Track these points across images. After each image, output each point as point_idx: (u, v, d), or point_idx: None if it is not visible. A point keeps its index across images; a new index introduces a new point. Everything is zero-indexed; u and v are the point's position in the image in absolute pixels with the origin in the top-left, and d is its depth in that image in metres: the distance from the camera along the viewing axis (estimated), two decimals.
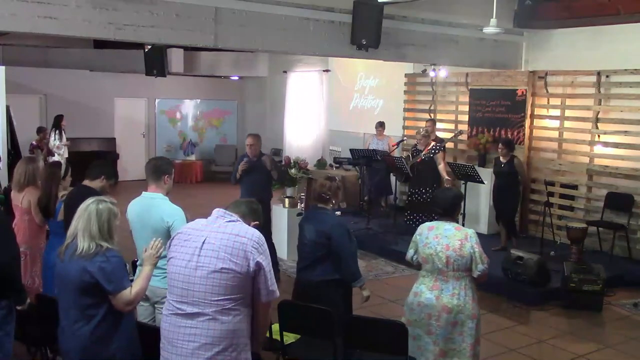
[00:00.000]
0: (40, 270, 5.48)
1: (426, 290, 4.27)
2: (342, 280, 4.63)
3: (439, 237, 4.25)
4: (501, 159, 8.29)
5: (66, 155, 12.54)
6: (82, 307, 3.35)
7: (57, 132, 12.77)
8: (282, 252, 8.44)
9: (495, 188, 8.53)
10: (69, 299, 3.40)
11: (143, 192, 4.35)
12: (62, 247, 3.45)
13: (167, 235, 3.90)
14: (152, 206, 4.19)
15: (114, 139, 15.34)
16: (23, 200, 5.48)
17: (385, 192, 10.72)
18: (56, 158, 11.92)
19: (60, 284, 3.46)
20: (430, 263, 4.26)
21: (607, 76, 8.55)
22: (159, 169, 4.30)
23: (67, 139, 12.99)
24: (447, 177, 8.29)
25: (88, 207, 3.42)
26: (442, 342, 4.23)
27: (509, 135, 9.51)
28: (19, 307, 3.99)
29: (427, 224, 4.44)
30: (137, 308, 3.97)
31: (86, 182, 5.01)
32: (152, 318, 4.18)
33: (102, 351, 3.37)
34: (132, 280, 3.57)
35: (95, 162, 5.23)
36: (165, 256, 3.42)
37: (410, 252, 4.46)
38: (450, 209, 4.38)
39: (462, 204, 8.36)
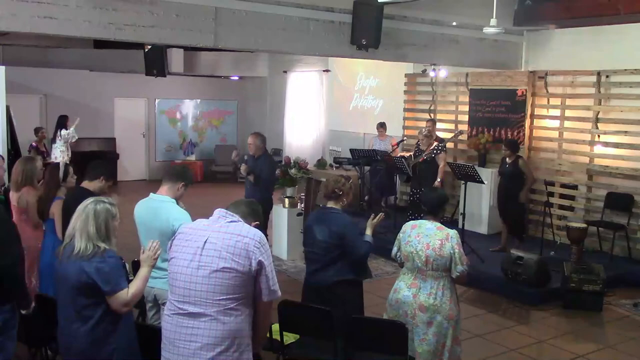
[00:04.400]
0: (37, 270, 5.45)
1: (405, 288, 4.30)
2: (355, 279, 4.53)
3: (420, 236, 4.28)
4: (507, 159, 8.26)
5: (69, 155, 12.46)
6: (80, 308, 3.35)
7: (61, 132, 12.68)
8: (282, 252, 8.44)
9: (500, 188, 8.49)
10: (67, 299, 3.40)
11: (151, 194, 4.33)
12: (61, 248, 3.45)
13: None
14: (160, 209, 4.19)
15: (114, 139, 15.30)
16: (20, 199, 5.48)
17: (388, 192, 10.71)
18: (59, 159, 11.86)
19: (58, 284, 3.46)
20: (411, 261, 4.29)
21: (607, 76, 8.55)
22: (181, 175, 4.33)
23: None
24: (439, 179, 8.33)
25: (86, 208, 3.41)
26: (416, 342, 4.24)
27: (509, 135, 9.51)
28: (23, 312, 3.94)
29: (411, 222, 4.49)
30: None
31: (85, 184, 5.01)
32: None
33: (99, 352, 3.35)
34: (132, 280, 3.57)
35: (94, 163, 5.22)
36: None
37: (394, 250, 4.49)
38: (434, 208, 4.42)
39: (461, 204, 8.54)
